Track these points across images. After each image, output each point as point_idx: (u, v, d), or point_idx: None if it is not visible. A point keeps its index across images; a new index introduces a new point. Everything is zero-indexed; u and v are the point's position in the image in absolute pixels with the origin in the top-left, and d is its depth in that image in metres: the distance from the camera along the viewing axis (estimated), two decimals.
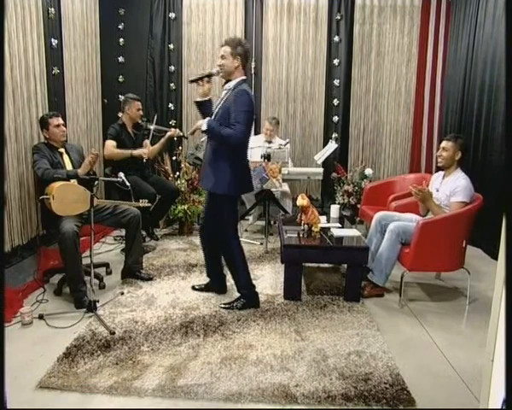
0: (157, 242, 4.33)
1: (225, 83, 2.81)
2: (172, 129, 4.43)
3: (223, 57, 2.72)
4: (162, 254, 3.94)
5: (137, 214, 3.26)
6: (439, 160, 3.11)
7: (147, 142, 4.26)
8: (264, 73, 5.34)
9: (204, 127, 2.67)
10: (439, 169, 3.28)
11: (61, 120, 3.21)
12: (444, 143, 3.09)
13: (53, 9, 3.72)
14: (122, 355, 2.30)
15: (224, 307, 2.88)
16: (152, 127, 4.25)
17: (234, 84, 2.75)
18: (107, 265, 3.49)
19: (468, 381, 2.15)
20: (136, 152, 4.03)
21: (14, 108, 3.16)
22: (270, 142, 4.76)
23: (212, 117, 2.74)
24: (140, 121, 4.19)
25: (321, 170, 4.71)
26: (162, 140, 4.35)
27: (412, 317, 2.86)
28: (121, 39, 5.25)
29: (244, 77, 2.80)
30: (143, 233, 4.04)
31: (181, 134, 4.53)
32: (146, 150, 4.08)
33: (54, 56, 3.78)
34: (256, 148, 4.67)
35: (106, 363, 2.22)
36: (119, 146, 4.01)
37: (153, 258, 3.83)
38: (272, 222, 4.79)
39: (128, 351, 2.34)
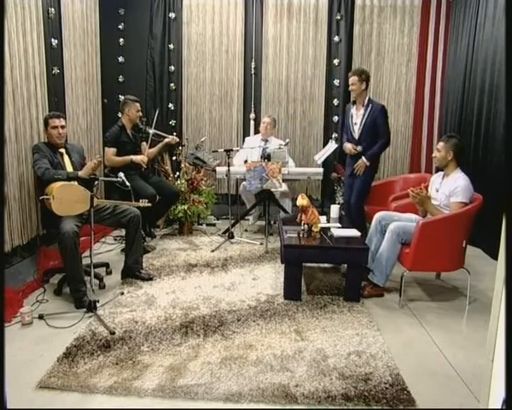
0: (157, 241, 4.33)
1: (355, 103, 3.86)
2: (170, 136, 4.45)
3: (353, 84, 3.75)
4: (162, 254, 3.94)
5: (137, 214, 3.26)
6: (434, 160, 3.22)
7: (145, 144, 4.27)
8: (264, 73, 5.33)
9: (368, 162, 3.84)
10: (438, 169, 3.30)
11: (58, 122, 3.14)
12: (438, 144, 3.15)
13: (53, 9, 3.72)
14: (122, 355, 2.30)
15: None
16: (151, 131, 4.25)
17: (367, 102, 3.80)
18: (107, 265, 3.49)
19: (468, 381, 2.15)
20: (136, 158, 4.03)
21: (14, 108, 3.16)
22: (266, 141, 4.76)
23: (361, 128, 3.81)
24: (140, 123, 4.19)
25: (321, 170, 4.71)
26: (159, 145, 4.40)
27: (412, 317, 2.86)
28: (121, 39, 5.25)
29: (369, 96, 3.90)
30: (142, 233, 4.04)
31: (177, 141, 4.53)
32: (145, 158, 4.10)
33: (54, 56, 3.78)
34: (256, 148, 4.68)
35: (106, 363, 2.22)
36: (118, 149, 4.00)
37: (153, 258, 3.83)
38: (272, 222, 4.79)
39: (128, 351, 2.34)
